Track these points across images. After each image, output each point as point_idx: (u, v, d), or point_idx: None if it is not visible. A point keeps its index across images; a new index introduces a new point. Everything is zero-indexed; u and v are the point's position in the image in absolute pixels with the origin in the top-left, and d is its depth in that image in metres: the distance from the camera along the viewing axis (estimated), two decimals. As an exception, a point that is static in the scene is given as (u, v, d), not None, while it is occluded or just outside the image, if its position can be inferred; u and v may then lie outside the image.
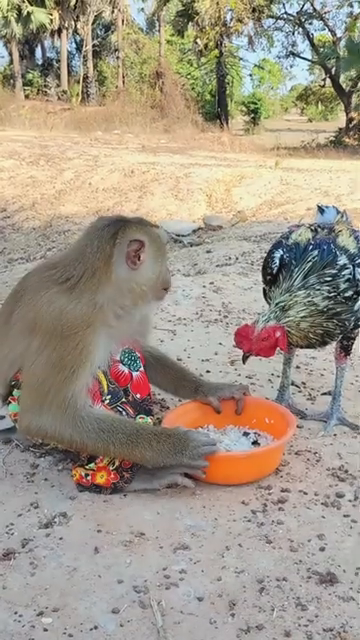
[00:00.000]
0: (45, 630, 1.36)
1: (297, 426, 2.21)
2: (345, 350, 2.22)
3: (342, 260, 2.00)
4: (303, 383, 2.58)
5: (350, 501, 1.81)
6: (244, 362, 2.07)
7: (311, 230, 2.11)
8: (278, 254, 2.06)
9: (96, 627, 1.37)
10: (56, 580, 1.50)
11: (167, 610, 1.42)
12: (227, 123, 23.63)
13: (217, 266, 5.38)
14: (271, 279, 2.08)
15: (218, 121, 23.38)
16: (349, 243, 2.04)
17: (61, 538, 1.64)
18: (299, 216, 7.58)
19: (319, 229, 2.12)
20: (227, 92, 27.06)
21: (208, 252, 6.02)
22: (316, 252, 2.01)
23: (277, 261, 2.06)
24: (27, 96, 27.20)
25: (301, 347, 2.13)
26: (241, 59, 28.55)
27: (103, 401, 1.82)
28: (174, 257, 6.28)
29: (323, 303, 1.97)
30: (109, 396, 1.84)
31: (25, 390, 1.82)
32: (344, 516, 1.75)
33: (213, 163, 10.89)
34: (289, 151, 18.46)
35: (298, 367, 2.71)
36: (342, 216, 2.26)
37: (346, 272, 1.99)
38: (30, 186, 10.40)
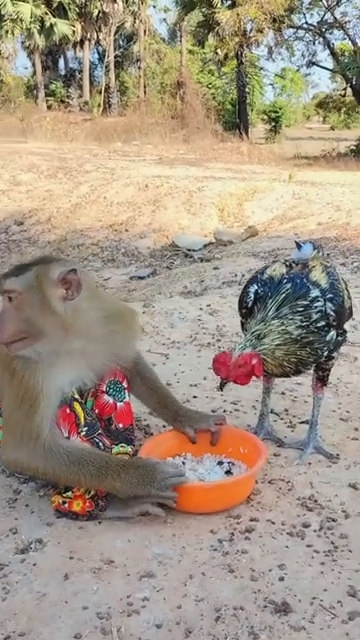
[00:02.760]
0: (10, 654, 1.46)
1: (274, 454, 2.30)
2: (321, 381, 2.29)
3: (314, 293, 2.08)
4: (285, 410, 2.65)
5: (315, 531, 1.88)
6: (221, 389, 2.15)
7: (286, 265, 2.19)
8: (253, 289, 2.15)
9: (58, 652, 1.47)
10: (25, 605, 1.60)
11: (126, 636, 1.50)
12: (247, 133, 23.71)
13: (223, 283, 5.47)
14: (246, 312, 2.17)
15: (238, 131, 23.49)
16: (321, 278, 2.12)
17: (34, 564, 1.74)
18: (310, 231, 7.65)
19: (293, 264, 2.20)
20: (248, 101, 27.15)
21: (215, 269, 6.10)
22: (289, 285, 2.09)
23: (252, 295, 2.14)
24: (50, 107, 27.60)
25: (277, 376, 2.20)
26: (261, 69, 28.63)
27: (79, 433, 1.91)
28: (182, 273, 6.38)
29: (296, 332, 2.04)
30: (85, 428, 1.93)
31: (3, 424, 1.93)
32: (307, 546, 1.81)
33: (228, 176, 10.98)
34: (309, 160, 18.50)
35: (283, 393, 2.79)
36: (318, 252, 2.34)
37: (318, 304, 2.06)
38: (47, 200, 10.59)
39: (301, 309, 2.05)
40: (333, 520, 1.93)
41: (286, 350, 2.06)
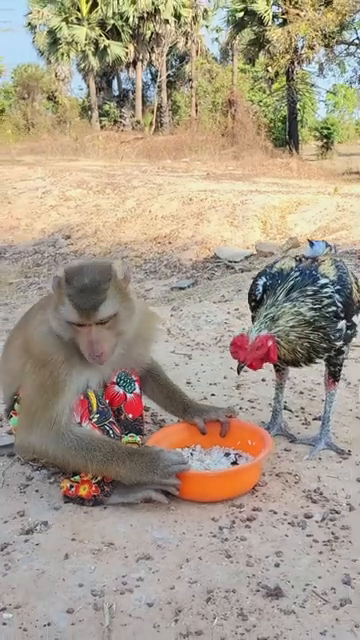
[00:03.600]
0: (3, 624, 1.51)
1: (285, 449, 2.30)
2: (333, 376, 2.28)
3: (323, 280, 2.08)
4: (302, 408, 2.64)
5: (317, 522, 1.87)
6: (238, 372, 2.11)
7: (295, 260, 2.20)
8: (261, 281, 2.17)
9: (49, 624, 1.51)
10: (24, 581, 1.65)
11: (117, 613, 1.54)
12: (297, 149, 23.63)
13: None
14: (255, 305, 2.18)
15: (288, 147, 23.45)
16: (330, 271, 2.12)
17: (37, 544, 1.79)
18: (352, 242, 7.59)
19: (303, 259, 2.21)
20: (299, 118, 27.11)
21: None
22: (297, 274, 2.10)
23: (260, 288, 2.16)
24: (103, 127, 28.15)
25: (288, 363, 2.18)
26: (312, 85, 28.58)
27: (91, 419, 1.96)
28: (221, 283, 6.41)
29: (309, 313, 2.04)
30: (97, 415, 1.98)
31: (21, 409, 2.00)
32: (307, 536, 1.81)
33: (273, 190, 10.98)
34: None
35: (302, 393, 2.78)
36: (330, 249, 2.34)
37: (327, 290, 2.06)
38: (94, 214, 10.81)
39: (311, 293, 2.05)
40: (336, 512, 1.92)
41: (300, 332, 2.05)
